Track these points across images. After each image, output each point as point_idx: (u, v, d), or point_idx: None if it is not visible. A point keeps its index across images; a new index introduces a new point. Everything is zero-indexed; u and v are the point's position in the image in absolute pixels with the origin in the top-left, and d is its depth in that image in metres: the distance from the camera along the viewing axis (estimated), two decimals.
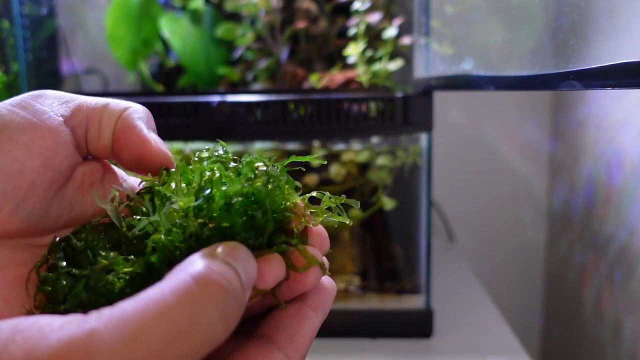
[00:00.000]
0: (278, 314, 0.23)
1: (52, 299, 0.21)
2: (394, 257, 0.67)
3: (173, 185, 0.23)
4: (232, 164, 0.23)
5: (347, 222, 0.24)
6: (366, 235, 0.66)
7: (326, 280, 0.24)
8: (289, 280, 0.23)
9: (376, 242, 0.66)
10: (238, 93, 0.62)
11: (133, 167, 0.26)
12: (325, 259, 0.24)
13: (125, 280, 0.21)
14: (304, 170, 0.63)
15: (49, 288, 0.21)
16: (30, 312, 0.21)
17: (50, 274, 0.22)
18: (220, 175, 0.22)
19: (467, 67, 0.51)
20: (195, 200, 0.22)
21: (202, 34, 0.71)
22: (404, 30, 0.68)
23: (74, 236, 0.23)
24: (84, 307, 0.21)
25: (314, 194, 0.25)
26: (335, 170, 0.62)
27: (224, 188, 0.22)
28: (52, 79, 0.69)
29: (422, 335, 0.62)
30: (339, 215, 0.24)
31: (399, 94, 0.57)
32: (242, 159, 0.24)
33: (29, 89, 0.61)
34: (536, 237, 1.10)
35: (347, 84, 0.63)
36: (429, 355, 0.59)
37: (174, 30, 0.68)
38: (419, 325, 0.62)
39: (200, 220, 0.21)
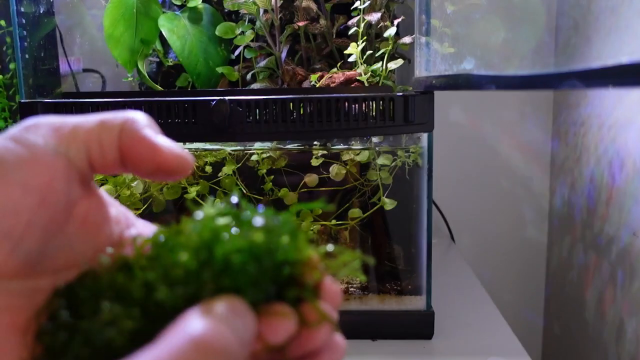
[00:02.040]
0: None
1: (50, 352, 0.21)
2: (394, 258, 0.66)
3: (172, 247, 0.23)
4: (234, 220, 0.23)
5: (363, 280, 0.24)
6: (366, 235, 0.65)
7: (337, 337, 0.23)
8: (299, 336, 0.22)
9: (377, 243, 0.66)
10: (237, 92, 0.61)
11: (150, 176, 0.25)
12: (336, 316, 0.23)
13: (127, 335, 0.20)
14: (304, 169, 0.63)
15: (48, 340, 0.21)
16: None
17: (50, 324, 0.21)
18: (220, 233, 0.22)
19: (468, 66, 0.50)
20: (196, 259, 0.21)
21: (201, 33, 0.70)
22: (404, 29, 0.67)
23: (78, 283, 0.22)
24: None
25: (329, 247, 0.24)
26: (335, 170, 0.62)
27: (225, 245, 0.21)
28: (49, 78, 0.69)
29: (423, 337, 0.61)
30: (355, 270, 0.24)
31: (400, 94, 0.56)
32: (242, 215, 0.23)
33: (27, 89, 0.61)
34: (538, 238, 1.09)
35: (348, 83, 0.63)
36: (430, 357, 0.58)
37: (173, 29, 0.68)
38: (420, 327, 0.62)
39: (201, 282, 0.21)
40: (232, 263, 0.21)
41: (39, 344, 0.21)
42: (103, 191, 0.26)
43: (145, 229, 0.27)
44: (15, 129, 0.23)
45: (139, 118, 0.24)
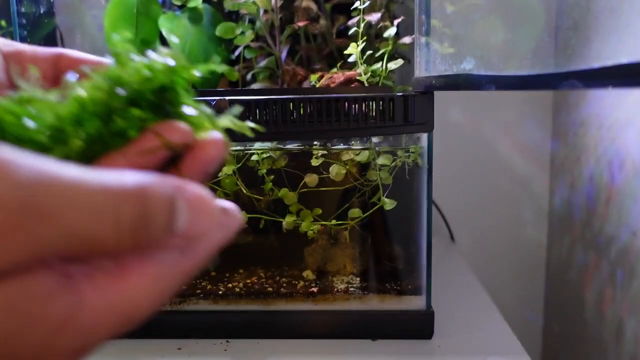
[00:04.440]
0: None
1: None
2: (394, 258, 0.67)
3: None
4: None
5: (249, 134, 0.27)
6: (366, 235, 0.65)
7: (215, 133, 0.25)
8: (193, 149, 0.24)
9: (376, 243, 0.66)
10: (237, 92, 0.61)
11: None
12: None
13: (47, 129, 0.23)
14: (304, 169, 0.63)
15: None
16: None
17: None
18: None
19: (468, 66, 0.50)
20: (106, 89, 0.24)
21: (201, 32, 0.70)
22: (404, 29, 0.67)
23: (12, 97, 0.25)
24: None
25: (227, 122, 0.27)
26: (335, 170, 0.62)
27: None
28: None
29: (423, 336, 0.62)
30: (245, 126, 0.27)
31: (400, 94, 0.56)
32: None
33: None
34: (537, 238, 1.09)
35: (348, 83, 0.63)
36: (429, 356, 0.58)
37: (173, 29, 0.68)
38: (419, 326, 0.62)
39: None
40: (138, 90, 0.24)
41: None
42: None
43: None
44: None
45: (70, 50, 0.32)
